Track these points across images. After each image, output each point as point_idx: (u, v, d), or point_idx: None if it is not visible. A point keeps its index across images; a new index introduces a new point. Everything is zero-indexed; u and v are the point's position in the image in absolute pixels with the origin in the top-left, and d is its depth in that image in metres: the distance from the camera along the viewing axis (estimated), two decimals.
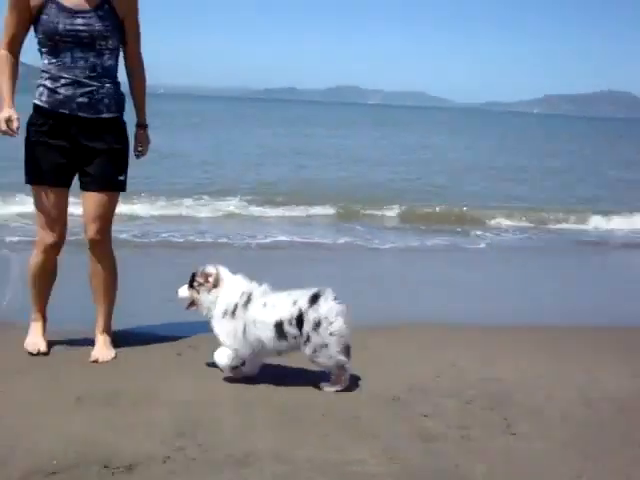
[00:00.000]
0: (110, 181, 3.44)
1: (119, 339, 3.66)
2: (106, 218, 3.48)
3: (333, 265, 6.58)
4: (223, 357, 3.16)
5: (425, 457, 2.53)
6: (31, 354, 3.46)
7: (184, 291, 3.26)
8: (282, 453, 2.48)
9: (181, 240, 7.24)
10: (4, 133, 3.17)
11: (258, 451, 2.48)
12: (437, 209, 10.40)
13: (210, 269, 3.19)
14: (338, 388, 3.12)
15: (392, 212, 10.10)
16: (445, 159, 20.49)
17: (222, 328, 3.13)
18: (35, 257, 3.48)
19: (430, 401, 3.08)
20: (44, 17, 3.20)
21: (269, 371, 3.32)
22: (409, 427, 2.79)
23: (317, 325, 2.95)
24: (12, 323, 3.90)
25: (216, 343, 3.17)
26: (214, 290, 3.15)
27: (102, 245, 3.50)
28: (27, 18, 3.24)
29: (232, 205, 9.74)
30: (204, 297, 3.16)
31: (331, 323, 2.96)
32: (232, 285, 3.16)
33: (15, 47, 3.29)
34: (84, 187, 3.46)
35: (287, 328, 3.00)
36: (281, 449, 2.51)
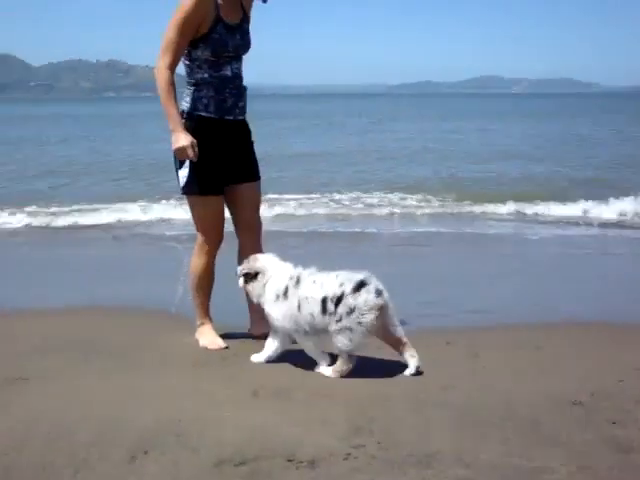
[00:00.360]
0: (258, 170, 3.73)
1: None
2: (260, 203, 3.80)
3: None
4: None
5: (623, 470, 2.33)
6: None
7: (240, 282, 3.43)
8: (464, 456, 2.39)
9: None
10: (189, 158, 3.36)
11: (439, 453, 2.41)
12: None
13: (253, 260, 3.39)
14: (333, 375, 3.20)
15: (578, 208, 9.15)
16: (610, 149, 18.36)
17: (277, 311, 3.29)
18: (199, 260, 3.65)
19: (617, 407, 2.85)
20: (215, 36, 3.38)
21: (438, 372, 3.25)
22: (597, 434, 2.59)
23: (351, 311, 3.09)
24: (186, 318, 4.11)
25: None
26: (260, 278, 3.33)
27: (260, 229, 3.74)
28: (190, 39, 3.38)
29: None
30: (252, 286, 3.36)
31: (363, 314, 3.09)
32: (279, 271, 3.34)
33: (175, 68, 3.44)
34: (242, 179, 3.62)
35: (328, 305, 3.13)
36: (463, 452, 2.42)
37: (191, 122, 3.41)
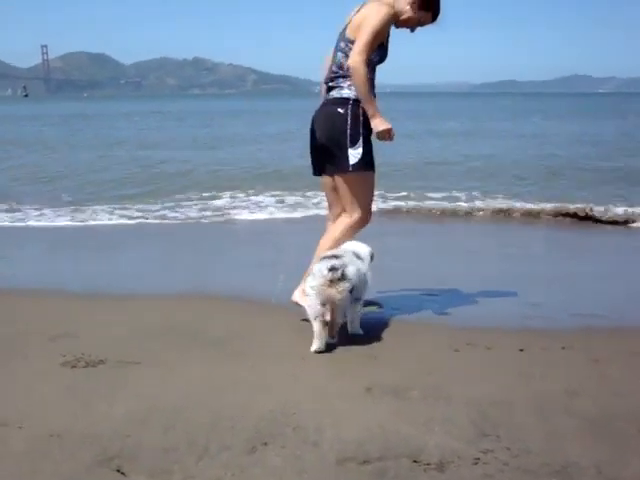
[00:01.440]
0: None
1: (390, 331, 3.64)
2: None
3: None
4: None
5: None
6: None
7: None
8: (605, 470, 2.21)
9: None
10: (389, 140, 3.81)
11: (577, 464, 2.24)
12: None
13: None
14: (313, 347, 3.38)
15: None
16: None
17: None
18: (346, 239, 3.86)
19: None
20: (386, 45, 3.89)
21: (559, 378, 3.06)
22: None
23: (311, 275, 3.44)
24: (285, 308, 4.07)
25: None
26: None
27: None
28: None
29: None
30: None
31: (314, 279, 3.36)
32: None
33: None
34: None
35: None
36: (602, 465, 2.24)
37: (358, 108, 3.79)
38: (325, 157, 3.94)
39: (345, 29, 3.86)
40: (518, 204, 8.56)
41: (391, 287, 4.60)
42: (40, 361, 3.30)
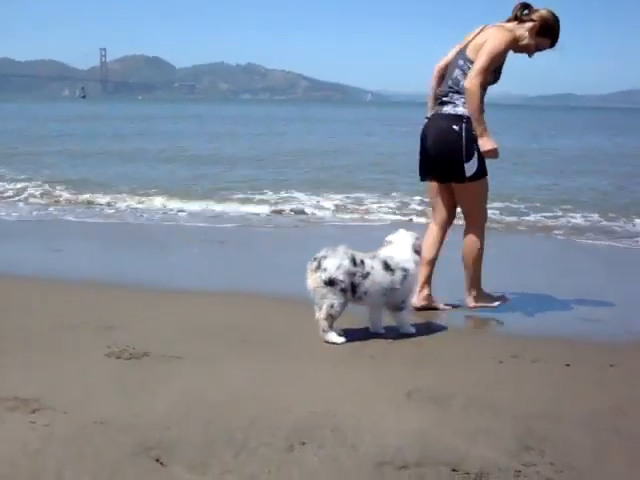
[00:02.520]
0: None
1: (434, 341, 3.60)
2: None
3: None
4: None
5: None
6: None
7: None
8: None
9: None
10: (495, 158, 4.09)
11: None
12: None
13: None
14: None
15: None
16: None
17: None
18: (481, 242, 4.24)
19: None
20: (500, 68, 4.14)
21: (607, 396, 2.97)
22: None
23: None
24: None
25: None
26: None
27: None
28: None
29: None
30: None
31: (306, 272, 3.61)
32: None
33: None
34: None
35: None
36: None
37: (471, 124, 4.02)
38: (437, 167, 4.20)
39: (466, 48, 4.08)
40: None
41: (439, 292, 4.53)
42: (87, 351, 3.38)
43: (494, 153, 4.05)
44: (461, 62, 4.07)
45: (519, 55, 4.19)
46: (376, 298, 3.64)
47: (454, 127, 4.03)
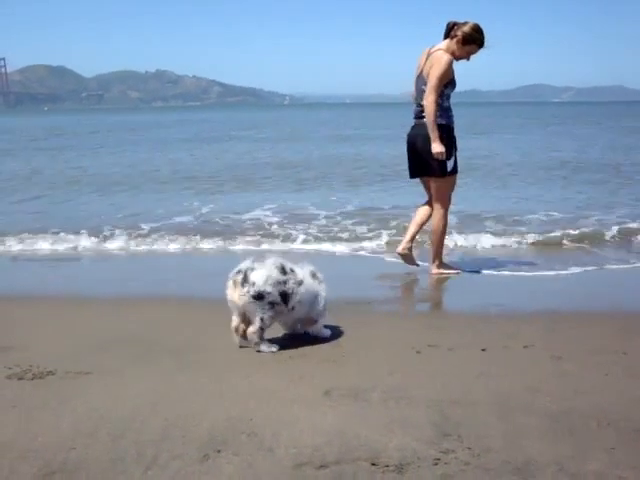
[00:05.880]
0: None
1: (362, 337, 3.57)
2: None
3: None
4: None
5: None
6: None
7: None
8: (566, 465, 2.17)
9: None
10: (443, 158, 5.14)
11: (538, 461, 2.19)
12: None
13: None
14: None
15: None
16: None
17: None
18: (444, 221, 5.31)
19: None
20: (454, 79, 5.18)
21: (523, 375, 3.03)
22: None
23: None
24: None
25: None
26: None
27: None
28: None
29: None
30: None
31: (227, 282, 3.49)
32: None
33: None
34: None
35: None
36: (564, 461, 2.20)
37: (449, 132, 5.21)
38: (421, 165, 5.30)
39: (422, 73, 5.19)
40: None
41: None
42: None
43: (442, 154, 5.11)
44: (422, 86, 5.16)
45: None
46: (306, 307, 3.54)
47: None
